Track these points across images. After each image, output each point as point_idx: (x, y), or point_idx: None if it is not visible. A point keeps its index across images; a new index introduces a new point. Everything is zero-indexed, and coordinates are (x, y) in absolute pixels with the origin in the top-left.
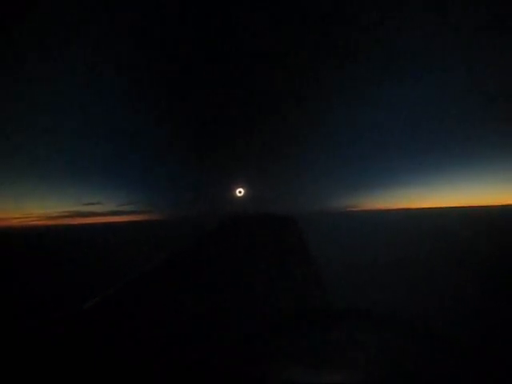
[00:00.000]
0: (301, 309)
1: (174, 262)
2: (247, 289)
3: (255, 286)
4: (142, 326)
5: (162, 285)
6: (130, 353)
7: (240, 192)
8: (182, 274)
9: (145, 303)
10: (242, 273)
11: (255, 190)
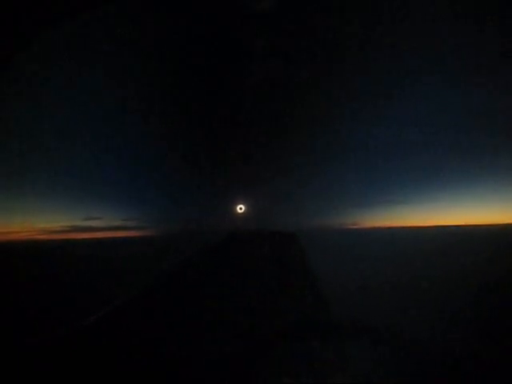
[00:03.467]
0: (300, 323)
1: (174, 277)
2: (247, 303)
3: (255, 301)
4: (144, 341)
5: (162, 300)
6: (131, 367)
7: (241, 208)
8: (182, 289)
9: (145, 318)
10: (241, 288)
11: (256, 206)
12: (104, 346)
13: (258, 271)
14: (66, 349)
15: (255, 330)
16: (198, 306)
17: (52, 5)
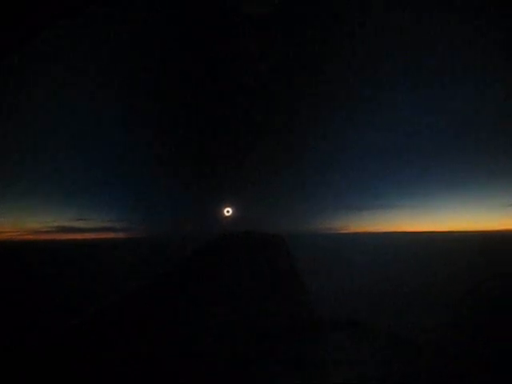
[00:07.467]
0: (288, 322)
1: (164, 280)
2: (236, 304)
3: (243, 302)
4: (136, 341)
5: (152, 302)
6: (125, 367)
7: (228, 211)
8: (173, 292)
9: (136, 318)
10: (230, 289)
11: (243, 209)
12: (94, 345)
13: (246, 272)
14: (57, 347)
15: (245, 330)
16: (189, 306)
17: (52, 5)
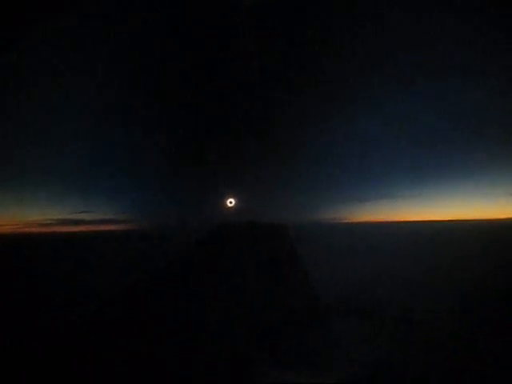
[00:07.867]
0: (292, 312)
1: (165, 272)
2: (238, 296)
3: (246, 293)
4: (137, 336)
5: (153, 294)
6: (125, 364)
7: (231, 202)
8: (174, 284)
9: (138, 313)
10: (232, 280)
11: (246, 200)
12: (94, 340)
13: (249, 263)
14: (57, 343)
15: (247, 323)
16: (189, 299)
17: (52, 4)
